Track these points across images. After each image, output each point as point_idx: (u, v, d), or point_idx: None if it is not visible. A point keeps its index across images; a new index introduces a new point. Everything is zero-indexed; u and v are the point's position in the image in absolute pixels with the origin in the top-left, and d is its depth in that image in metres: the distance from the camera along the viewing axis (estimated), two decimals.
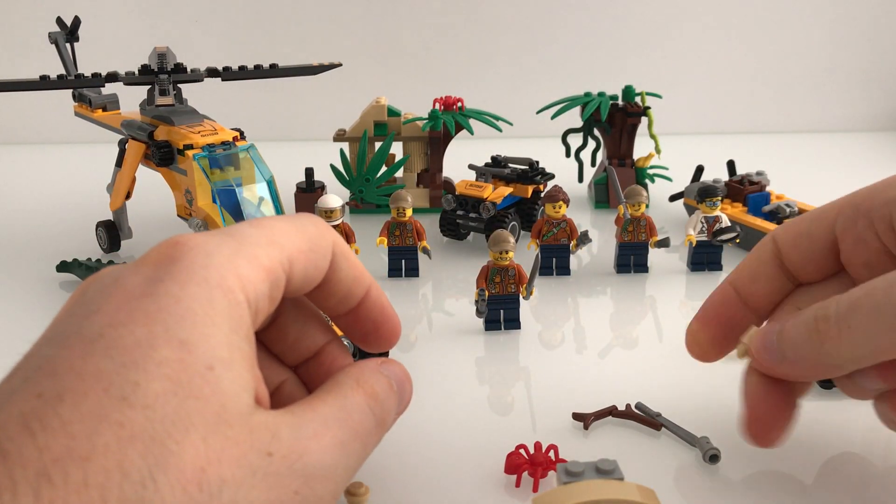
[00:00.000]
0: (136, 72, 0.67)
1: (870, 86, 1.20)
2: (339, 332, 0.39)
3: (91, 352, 0.25)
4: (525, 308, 0.61)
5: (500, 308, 0.59)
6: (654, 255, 0.70)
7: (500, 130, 0.83)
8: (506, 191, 0.75)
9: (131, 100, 0.75)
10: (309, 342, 0.36)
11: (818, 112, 1.20)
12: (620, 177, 0.77)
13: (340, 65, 0.79)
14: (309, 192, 0.81)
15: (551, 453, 0.41)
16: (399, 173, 0.86)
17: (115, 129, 0.73)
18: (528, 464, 0.41)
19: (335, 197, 0.64)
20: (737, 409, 0.40)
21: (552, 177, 0.79)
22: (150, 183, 0.73)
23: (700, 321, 0.43)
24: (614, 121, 0.86)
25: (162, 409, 0.24)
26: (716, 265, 0.70)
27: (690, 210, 0.79)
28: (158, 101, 0.68)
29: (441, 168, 0.85)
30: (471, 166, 0.81)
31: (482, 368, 0.55)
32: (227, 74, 0.70)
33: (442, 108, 0.84)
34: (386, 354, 0.45)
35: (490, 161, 0.79)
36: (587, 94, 0.87)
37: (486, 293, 0.58)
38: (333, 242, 0.33)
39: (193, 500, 0.24)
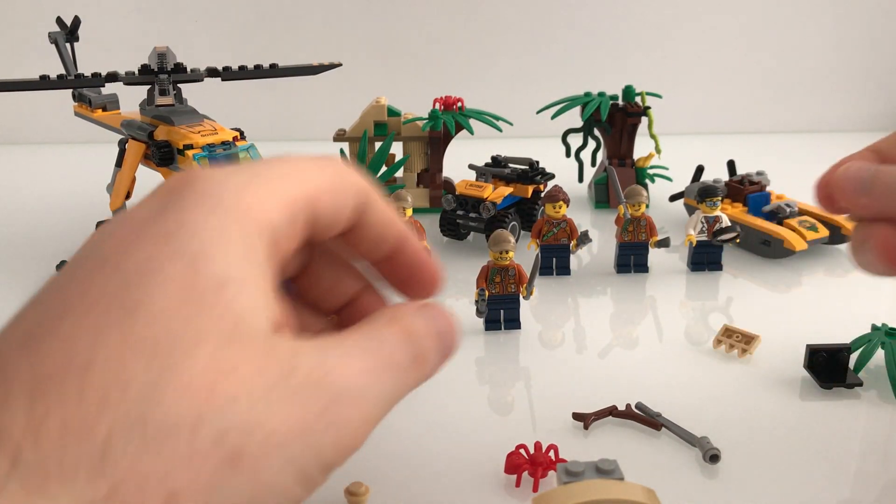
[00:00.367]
0: (136, 72, 0.68)
1: (870, 86, 1.20)
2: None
3: (97, 273, 0.24)
4: (525, 308, 0.61)
5: (500, 308, 0.59)
6: (655, 255, 0.70)
7: (500, 130, 0.83)
8: (506, 191, 0.75)
9: (131, 100, 0.75)
10: (345, 287, 0.35)
11: (818, 112, 1.21)
12: (620, 177, 0.77)
13: (340, 65, 0.79)
14: None
15: (551, 453, 0.41)
16: (399, 173, 0.86)
17: (115, 129, 0.73)
18: (529, 464, 0.41)
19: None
20: (737, 410, 0.40)
21: (552, 177, 0.79)
22: (151, 183, 0.72)
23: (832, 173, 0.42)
24: (614, 121, 0.86)
25: (168, 323, 0.23)
26: (716, 265, 0.70)
27: (690, 210, 0.79)
28: (158, 101, 0.68)
29: (441, 168, 0.85)
30: (471, 166, 0.81)
31: (482, 368, 0.55)
32: (227, 74, 0.69)
33: (442, 108, 0.84)
34: None
35: (490, 161, 0.79)
36: (587, 94, 0.87)
37: (486, 293, 0.58)
38: (357, 183, 0.31)
39: (202, 415, 0.22)
